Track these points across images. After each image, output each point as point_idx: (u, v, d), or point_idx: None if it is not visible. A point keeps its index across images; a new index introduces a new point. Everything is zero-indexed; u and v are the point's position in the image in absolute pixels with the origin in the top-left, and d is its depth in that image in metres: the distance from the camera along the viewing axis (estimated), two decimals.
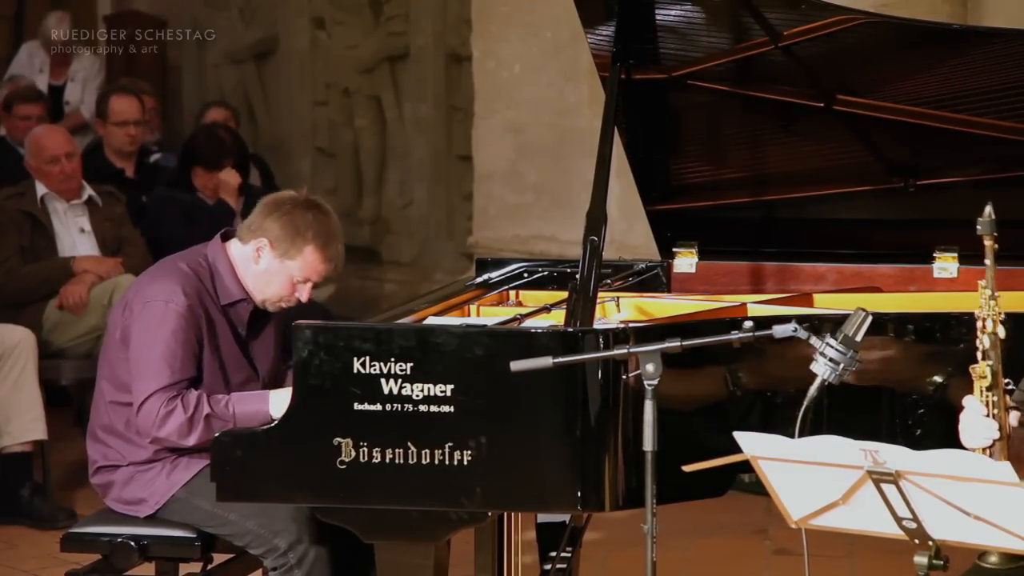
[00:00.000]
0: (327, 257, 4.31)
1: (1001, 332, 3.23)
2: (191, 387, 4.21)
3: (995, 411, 3.22)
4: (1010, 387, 3.26)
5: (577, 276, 4.10)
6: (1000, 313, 3.23)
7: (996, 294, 3.23)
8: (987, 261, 3.22)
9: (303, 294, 4.34)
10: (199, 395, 4.18)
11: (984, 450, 3.22)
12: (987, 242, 3.21)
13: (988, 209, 3.21)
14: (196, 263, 4.34)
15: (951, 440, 3.29)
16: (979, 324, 3.24)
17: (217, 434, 3.94)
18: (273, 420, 4.03)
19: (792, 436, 3.30)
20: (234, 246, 4.37)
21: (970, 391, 3.26)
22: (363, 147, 9.75)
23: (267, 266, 4.31)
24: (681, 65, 4.68)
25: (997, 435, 3.20)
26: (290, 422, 3.86)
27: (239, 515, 4.20)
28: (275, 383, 4.43)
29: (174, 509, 4.30)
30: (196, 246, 4.45)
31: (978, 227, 3.21)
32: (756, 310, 4.29)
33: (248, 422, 4.13)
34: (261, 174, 8.58)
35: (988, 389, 3.22)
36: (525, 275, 4.85)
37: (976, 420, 3.23)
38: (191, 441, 4.17)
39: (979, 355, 3.24)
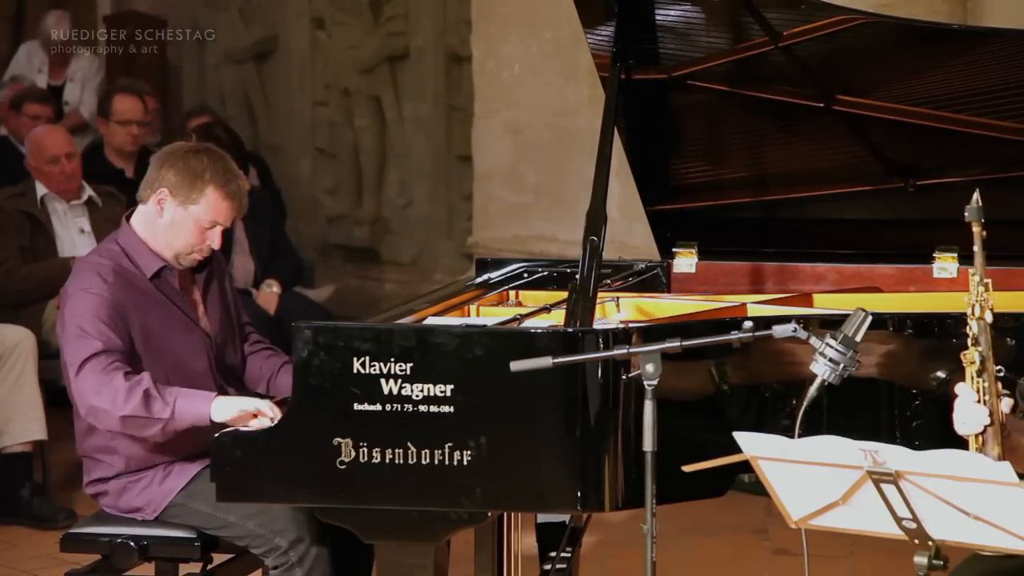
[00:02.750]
0: (228, 194, 4.28)
1: (989, 317, 3.22)
2: (128, 362, 4.16)
3: (986, 397, 3.22)
4: (1002, 374, 3.25)
5: (577, 276, 4.10)
6: (989, 299, 3.23)
7: (985, 280, 3.23)
8: (975, 248, 3.21)
9: (214, 240, 4.31)
10: (143, 374, 4.13)
11: (976, 436, 3.22)
12: (975, 229, 3.20)
13: (975, 196, 3.20)
14: (109, 251, 4.33)
15: (948, 434, 3.29)
16: (968, 310, 3.24)
17: (217, 434, 3.92)
18: (213, 423, 4.02)
19: (791, 434, 3.30)
20: (136, 213, 4.36)
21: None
22: (363, 147, 9.74)
23: (171, 216, 4.29)
24: (681, 65, 4.68)
25: (988, 421, 3.20)
26: (290, 422, 3.86)
27: (239, 516, 4.19)
28: (229, 344, 4.44)
29: (173, 514, 4.30)
30: (107, 237, 4.46)
31: (966, 214, 3.20)
32: (756, 310, 4.29)
33: (188, 417, 4.08)
34: (260, 174, 8.57)
35: (978, 375, 3.22)
36: (525, 275, 4.85)
37: (968, 407, 3.22)
38: (124, 411, 4.07)
39: (969, 341, 3.24)
